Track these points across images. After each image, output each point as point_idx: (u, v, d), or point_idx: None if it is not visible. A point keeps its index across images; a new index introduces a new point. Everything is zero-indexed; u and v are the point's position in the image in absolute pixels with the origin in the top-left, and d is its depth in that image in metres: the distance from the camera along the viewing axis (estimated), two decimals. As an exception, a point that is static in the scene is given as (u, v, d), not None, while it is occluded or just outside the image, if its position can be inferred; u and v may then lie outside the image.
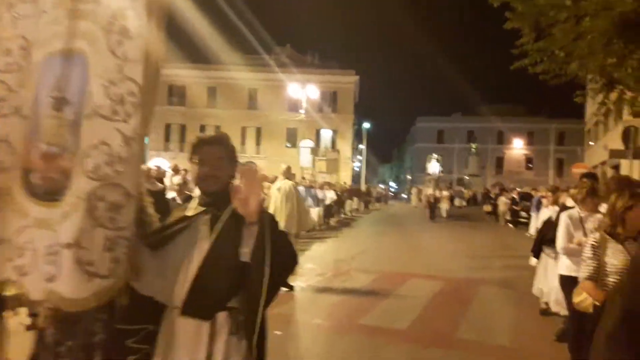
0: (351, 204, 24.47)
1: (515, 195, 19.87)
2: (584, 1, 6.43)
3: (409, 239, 16.30)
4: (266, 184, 11.12)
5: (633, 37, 5.97)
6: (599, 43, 6.27)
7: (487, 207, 24.69)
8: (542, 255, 6.41)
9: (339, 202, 19.95)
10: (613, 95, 10.06)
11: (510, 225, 20.64)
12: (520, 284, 8.26)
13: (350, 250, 12.64)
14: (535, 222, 11.82)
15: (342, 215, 22.11)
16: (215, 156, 2.08)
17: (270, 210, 7.44)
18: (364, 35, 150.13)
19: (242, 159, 33.90)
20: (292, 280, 7.45)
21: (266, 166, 44.53)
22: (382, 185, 62.17)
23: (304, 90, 29.64)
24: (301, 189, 14.75)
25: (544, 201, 10.05)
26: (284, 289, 7.22)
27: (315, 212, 16.02)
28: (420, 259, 11.74)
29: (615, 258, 3.10)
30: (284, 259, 1.93)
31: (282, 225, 7.13)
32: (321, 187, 17.65)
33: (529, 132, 61.17)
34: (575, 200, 4.78)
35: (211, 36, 40.59)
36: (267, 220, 1.90)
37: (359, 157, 54.13)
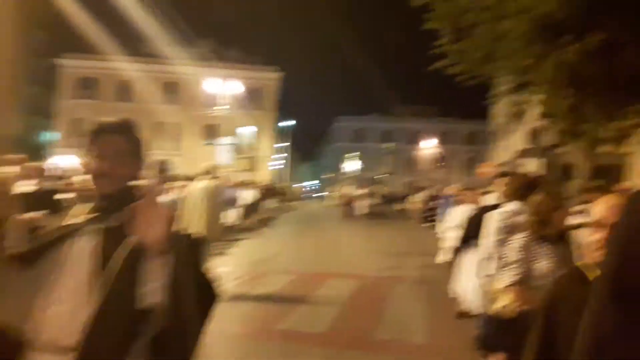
0: (269, 203, 24.19)
1: (429, 194, 20.62)
2: (505, 2, 6.70)
3: (327, 238, 16.40)
4: (178, 182, 10.49)
5: (551, 38, 6.30)
6: (519, 44, 6.56)
7: (402, 205, 25.08)
8: (457, 256, 6.43)
9: (257, 202, 19.58)
10: (524, 97, 10.72)
11: (426, 223, 21.42)
12: (435, 282, 8.51)
13: (268, 251, 12.49)
14: (447, 221, 12.28)
15: (261, 216, 21.83)
16: (114, 148, 1.65)
17: (185, 214, 7.05)
18: (288, 33, 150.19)
19: (158, 156, 32.29)
20: None
21: (184, 164, 43.48)
22: (301, 184, 62.39)
23: (226, 85, 28.79)
24: (221, 187, 14.40)
25: (458, 199, 10.33)
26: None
27: (233, 212, 15.53)
28: (338, 258, 11.84)
29: (544, 261, 3.02)
30: (205, 298, 1.61)
31: (201, 230, 6.81)
32: (238, 186, 17.06)
33: (441, 132, 64.29)
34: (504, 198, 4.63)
35: (125, 26, 38.60)
36: (182, 246, 1.49)
37: (280, 155, 54.05)
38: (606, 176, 18.82)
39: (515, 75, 9.53)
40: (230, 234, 14.77)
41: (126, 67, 43.27)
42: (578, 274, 1.69)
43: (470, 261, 5.79)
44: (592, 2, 5.72)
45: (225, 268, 9.72)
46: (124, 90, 45.69)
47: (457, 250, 6.54)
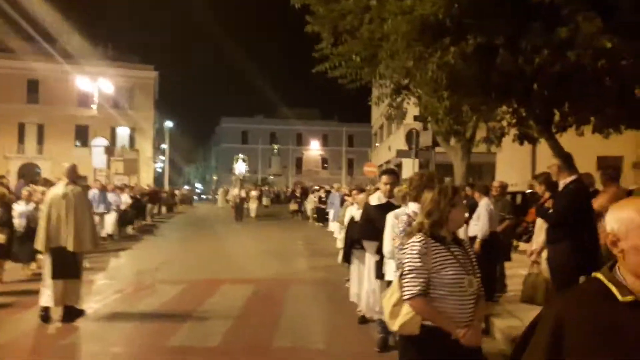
0: (152, 208, 22.73)
1: (322, 194, 20.84)
2: (386, 4, 6.80)
3: (217, 242, 15.73)
4: (39, 188, 9.39)
5: (431, 41, 6.50)
6: (400, 45, 6.68)
7: (294, 206, 24.98)
8: (353, 258, 6.32)
9: (138, 207, 18.21)
10: (403, 99, 11.17)
11: (318, 223, 21.67)
12: (333, 284, 8.51)
13: (154, 260, 11.57)
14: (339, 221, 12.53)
15: (143, 222, 20.44)
16: None
17: (43, 224, 6.12)
18: (165, 32, 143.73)
19: (20, 160, 29.13)
20: (80, 303, 6.34)
21: (51, 168, 39.48)
22: (187, 187, 60.04)
23: (96, 83, 26.64)
24: (94, 192, 13.09)
25: (348, 199, 10.42)
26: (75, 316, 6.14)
27: (110, 219, 14.27)
28: (230, 262, 11.38)
29: (445, 266, 2.62)
30: None
31: (70, 242, 5.97)
32: (114, 190, 15.60)
33: (323, 134, 66.04)
34: (404, 199, 4.36)
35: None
36: None
37: (162, 157, 51.44)
38: (480, 174, 20.68)
39: (395, 78, 9.92)
40: (109, 244, 13.59)
41: (-22, 61, 38.27)
42: (602, 290, 1.43)
43: (364, 264, 5.71)
44: (469, 5, 6.01)
45: (104, 281, 8.87)
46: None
47: (348, 252, 6.47)
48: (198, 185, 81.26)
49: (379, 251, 4.70)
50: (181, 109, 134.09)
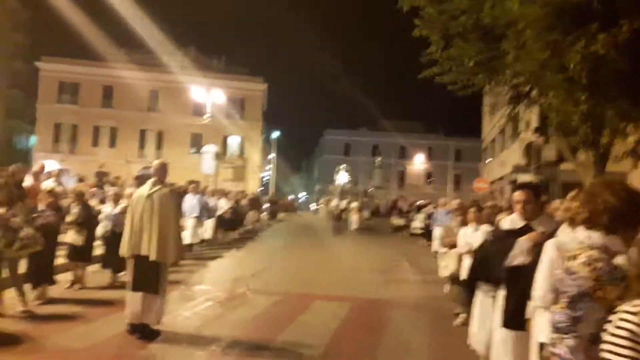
0: (254, 215, 22.85)
1: (433, 210, 18.83)
2: None
3: (314, 253, 15.15)
4: (128, 190, 8.68)
5: (572, 26, 5.40)
6: (530, 34, 5.65)
7: (399, 221, 22.59)
8: (478, 292, 4.69)
9: (237, 213, 17.73)
10: (520, 108, 9.92)
11: (427, 241, 20.08)
12: (435, 311, 7.51)
13: (249, 268, 11.25)
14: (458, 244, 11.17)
15: (242, 228, 20.61)
16: None
17: (127, 228, 5.56)
18: (275, 45, 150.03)
19: (141, 164, 31.06)
20: (158, 322, 5.59)
21: (169, 173, 42.11)
22: (291, 196, 61.25)
23: (209, 94, 27.86)
24: (193, 196, 12.88)
25: (457, 218, 8.96)
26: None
27: (208, 225, 14.06)
28: (325, 276, 10.69)
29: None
30: None
31: (152, 250, 5.30)
32: (213, 195, 15.39)
33: (428, 147, 63.99)
34: (573, 222, 2.67)
35: (110, 32, 37.66)
36: None
37: (269, 166, 53.05)
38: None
39: (516, 81, 8.78)
40: (205, 249, 13.55)
41: (108, 72, 42.17)
42: None
43: (489, 302, 4.29)
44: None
45: (199, 287, 8.65)
46: (107, 96, 44.43)
47: (470, 284, 4.75)
48: (303, 194, 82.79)
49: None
50: (287, 121, 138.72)
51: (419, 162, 63.90)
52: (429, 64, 8.82)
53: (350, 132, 65.87)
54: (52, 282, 7.12)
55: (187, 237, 11.62)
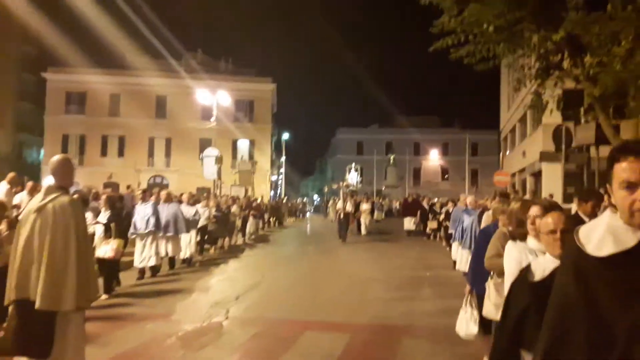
0: (254, 224, 20.08)
1: (450, 208, 15.47)
2: None
3: (313, 267, 13.02)
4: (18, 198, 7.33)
5: None
6: None
7: (433, 224, 18.40)
8: None
9: (224, 221, 15.04)
10: (549, 83, 8.72)
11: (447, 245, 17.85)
12: (456, 337, 5.10)
13: (237, 286, 9.46)
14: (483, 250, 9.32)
15: (242, 238, 18.28)
16: None
17: (11, 263, 3.78)
18: (282, 45, 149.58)
19: (150, 172, 30.17)
20: None
21: (177, 180, 41.55)
22: (300, 199, 60.16)
23: (216, 98, 27.00)
24: (142, 206, 9.99)
25: (488, 214, 7.08)
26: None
27: (184, 240, 11.57)
28: (325, 295, 8.93)
29: None
30: None
31: (38, 295, 3.54)
32: (190, 201, 12.56)
33: (443, 143, 62.47)
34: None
35: (115, 38, 37.10)
36: None
37: (280, 169, 52.21)
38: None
39: (546, 46, 7.61)
40: (184, 270, 11.38)
41: (114, 80, 41.65)
42: None
43: None
44: None
45: (166, 320, 6.85)
46: (114, 105, 43.88)
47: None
48: (315, 197, 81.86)
49: None
50: (299, 122, 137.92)
51: (434, 158, 62.43)
52: (442, 35, 7.68)
53: (362, 130, 64.71)
54: None
55: (136, 259, 9.64)
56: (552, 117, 12.46)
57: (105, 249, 7.17)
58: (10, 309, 3.77)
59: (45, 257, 3.67)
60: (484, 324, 4.38)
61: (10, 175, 9.04)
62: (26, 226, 3.77)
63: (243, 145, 44.45)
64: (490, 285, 4.06)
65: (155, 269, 9.98)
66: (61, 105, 43.40)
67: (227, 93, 30.83)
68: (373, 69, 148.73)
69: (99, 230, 7.42)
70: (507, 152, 29.51)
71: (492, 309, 3.97)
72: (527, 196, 17.68)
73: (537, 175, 19.98)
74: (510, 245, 3.21)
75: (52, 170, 3.97)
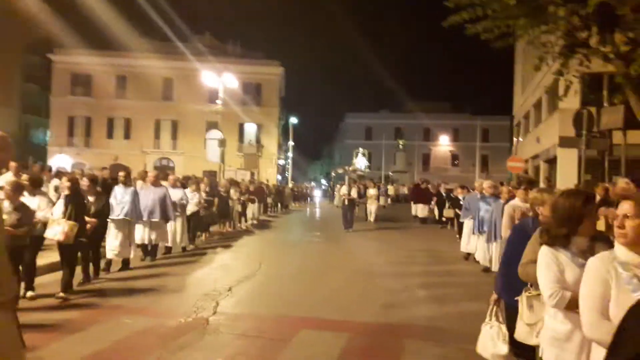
0: (254, 208, 19.34)
1: (460, 196, 14.41)
2: None
3: (316, 254, 12.28)
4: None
5: None
6: None
7: (449, 212, 17.03)
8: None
9: (223, 206, 14.40)
10: (573, 62, 8.06)
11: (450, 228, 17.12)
12: (466, 337, 4.64)
13: (231, 276, 8.74)
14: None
15: (245, 224, 17.64)
16: None
17: None
18: (290, 28, 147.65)
19: (156, 154, 29.80)
20: None
21: (183, 163, 41.18)
22: (307, 183, 59.64)
23: (223, 80, 26.36)
24: (120, 189, 9.07)
25: (517, 205, 6.49)
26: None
27: (171, 229, 10.64)
28: (324, 288, 8.19)
29: None
30: None
31: None
32: (176, 184, 11.29)
33: (454, 128, 61.57)
34: None
35: (121, 20, 36.45)
36: None
37: (287, 153, 51.66)
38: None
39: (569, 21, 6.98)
40: (177, 256, 10.72)
41: (121, 62, 41.11)
42: None
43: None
44: None
45: (147, 315, 6.19)
46: (120, 87, 43.41)
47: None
48: (323, 181, 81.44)
49: None
50: (307, 106, 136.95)
51: (444, 144, 61.56)
52: (457, 8, 7.05)
53: (371, 114, 63.86)
54: None
55: (111, 249, 8.70)
56: (569, 102, 11.80)
57: (56, 230, 6.60)
58: None
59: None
60: (517, 344, 3.36)
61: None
62: None
63: (250, 128, 43.87)
64: (523, 300, 3.16)
65: (125, 262, 8.99)
66: (67, 87, 43.01)
67: (234, 76, 30.18)
68: (384, 54, 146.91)
69: (57, 211, 6.87)
70: (520, 139, 28.71)
71: (525, 330, 3.11)
72: (542, 184, 17.07)
73: (552, 161, 19.26)
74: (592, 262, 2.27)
75: None
